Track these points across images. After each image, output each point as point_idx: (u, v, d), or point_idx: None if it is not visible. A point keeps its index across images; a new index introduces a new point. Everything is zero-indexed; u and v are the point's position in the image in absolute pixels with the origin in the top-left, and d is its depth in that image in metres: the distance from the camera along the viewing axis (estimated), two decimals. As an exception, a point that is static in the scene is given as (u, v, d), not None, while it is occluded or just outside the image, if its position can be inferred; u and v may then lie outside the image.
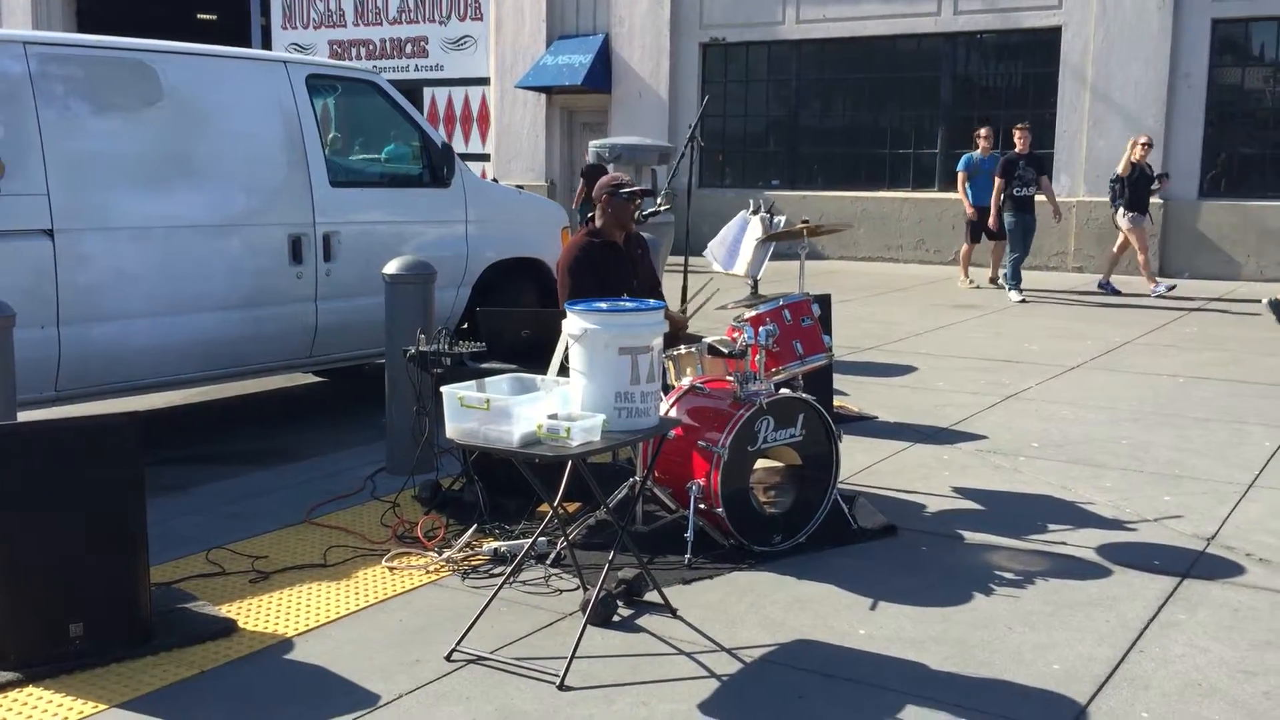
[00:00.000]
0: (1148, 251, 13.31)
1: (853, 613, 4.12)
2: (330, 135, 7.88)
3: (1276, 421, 6.97)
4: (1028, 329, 10.68)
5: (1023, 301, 12.50)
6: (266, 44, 21.94)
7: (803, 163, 18.04)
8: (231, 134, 6.43)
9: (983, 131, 13.82)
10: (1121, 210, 13.05)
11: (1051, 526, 5.05)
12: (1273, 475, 5.85)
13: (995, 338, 10.15)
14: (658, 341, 3.92)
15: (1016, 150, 13.02)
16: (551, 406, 3.77)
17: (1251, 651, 3.80)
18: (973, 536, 4.92)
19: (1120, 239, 13.42)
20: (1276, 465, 6.04)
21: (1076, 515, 5.22)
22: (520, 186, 15.22)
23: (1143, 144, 12.89)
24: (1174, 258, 14.99)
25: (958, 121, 16.76)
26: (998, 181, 12.92)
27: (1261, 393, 7.81)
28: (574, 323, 3.86)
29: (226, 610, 4.11)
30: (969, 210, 13.57)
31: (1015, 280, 12.87)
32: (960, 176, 13.76)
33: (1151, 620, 4.05)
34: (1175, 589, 4.33)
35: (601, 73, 18.69)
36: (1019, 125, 13.30)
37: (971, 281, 13.96)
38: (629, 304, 4.08)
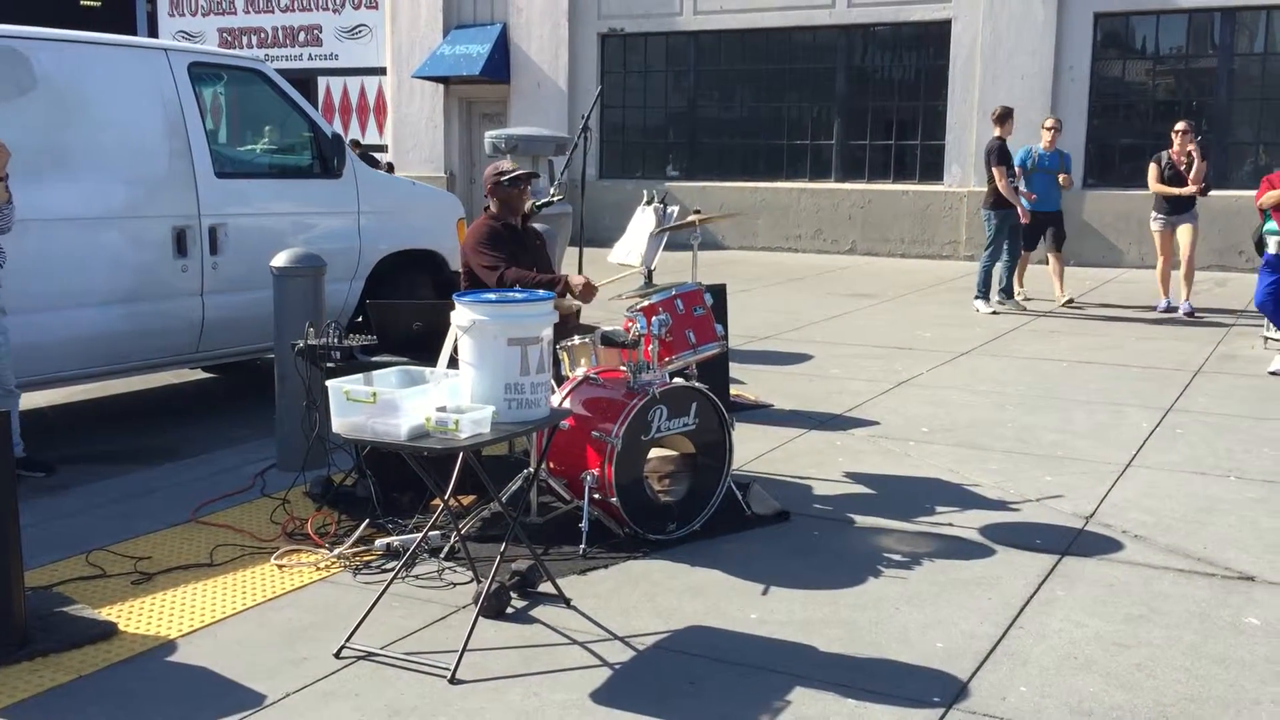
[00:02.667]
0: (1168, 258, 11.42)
1: (745, 598, 4.17)
2: (215, 125, 7.69)
3: (1153, 404, 7.22)
4: (921, 317, 10.90)
5: (994, 313, 11.04)
6: (153, 32, 21.34)
7: (702, 153, 18.14)
8: (110, 124, 6.24)
9: (1049, 121, 11.77)
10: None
11: (939, 509, 5.17)
12: (1148, 455, 6.07)
13: (889, 325, 10.34)
14: (547, 332, 3.91)
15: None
16: (440, 399, 3.74)
17: (1125, 625, 3.93)
18: (863, 520, 5.01)
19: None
20: (1152, 445, 6.26)
21: (963, 497, 5.35)
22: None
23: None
24: (1070, 244, 15.42)
25: (853, 113, 17.02)
26: (997, 169, 11.03)
27: (1140, 375, 8.09)
28: (462, 314, 3.83)
29: (107, 613, 4.00)
30: (1023, 215, 11.16)
31: (984, 289, 11.30)
32: (1016, 173, 11.31)
33: (1031, 597, 4.17)
34: (1054, 566, 4.47)
35: (500, 63, 18.57)
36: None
37: (1027, 299, 11.71)
38: (518, 294, 4.06)
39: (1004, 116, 11.27)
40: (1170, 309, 11.00)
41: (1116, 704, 3.37)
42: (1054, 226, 11.57)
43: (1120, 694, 3.43)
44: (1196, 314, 10.84)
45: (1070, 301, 11.49)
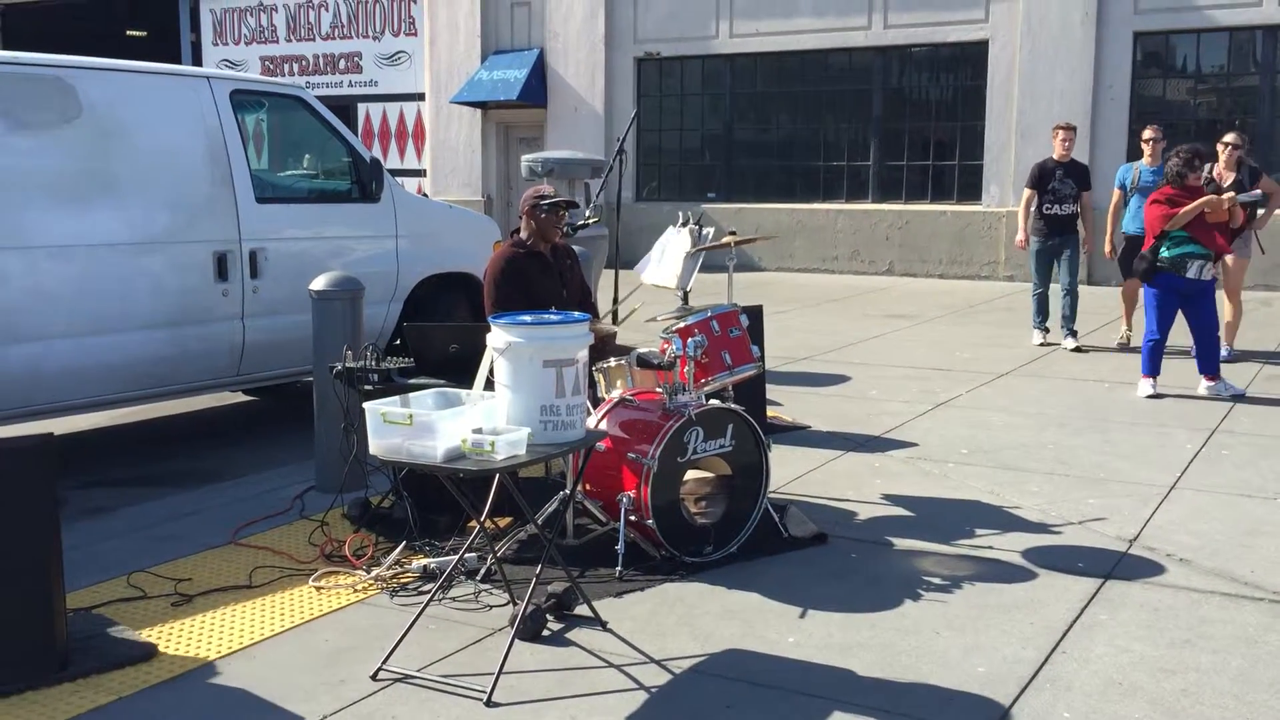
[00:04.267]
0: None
1: (782, 621, 4.13)
2: (257, 151, 7.80)
3: (1198, 425, 7.11)
4: (960, 337, 10.82)
5: (1042, 345, 10.07)
6: (197, 60, 21.66)
7: (738, 176, 18.15)
8: (154, 150, 6.34)
9: (1147, 134, 9.91)
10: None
11: (978, 531, 5.11)
12: (1193, 477, 5.97)
13: (928, 346, 10.27)
14: (583, 354, 3.91)
15: (1055, 156, 10.10)
16: (476, 420, 3.75)
17: (1170, 650, 3.86)
18: (901, 543, 4.97)
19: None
20: (1197, 467, 6.16)
21: (1003, 520, 5.29)
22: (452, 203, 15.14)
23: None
24: (1101, 266, 15.26)
25: (890, 134, 16.97)
26: (1026, 192, 10.17)
27: (1183, 398, 7.97)
28: (498, 336, 3.84)
29: (147, 635, 4.03)
30: (1108, 248, 10.23)
31: (1037, 317, 10.25)
32: (1115, 196, 10.09)
33: (1074, 621, 4.11)
34: (1098, 590, 4.40)
35: (537, 87, 18.69)
36: (1061, 125, 10.23)
37: (1130, 330, 10.02)
38: (553, 316, 4.07)
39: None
40: (1228, 359, 9.08)
41: (1162, 731, 3.31)
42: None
43: (1166, 720, 3.37)
44: (1235, 355, 9.31)
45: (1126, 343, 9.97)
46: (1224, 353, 9.01)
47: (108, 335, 6.09)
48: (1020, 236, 10.30)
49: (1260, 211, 9.29)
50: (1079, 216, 10.12)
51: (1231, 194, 8.19)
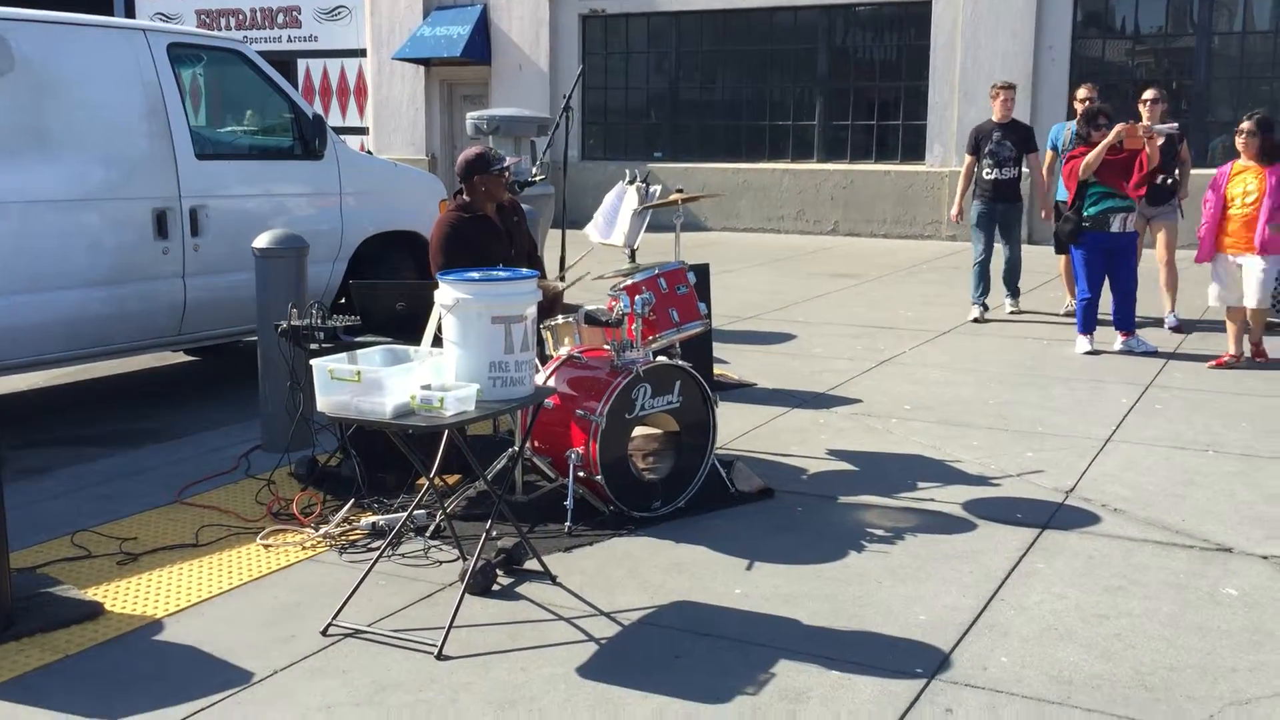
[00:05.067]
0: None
1: (729, 573, 4.20)
2: (195, 107, 7.65)
3: (1133, 379, 7.28)
4: (903, 296, 10.94)
5: (976, 320, 9.47)
6: (130, 13, 21.14)
7: (684, 135, 18.12)
8: (90, 105, 6.20)
9: (1081, 93, 9.58)
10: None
11: (921, 485, 5.21)
12: (1129, 430, 6.12)
13: (871, 305, 10.38)
14: (531, 310, 3.92)
15: (994, 118, 9.66)
16: (425, 377, 3.75)
17: (1104, 596, 3.98)
18: (846, 496, 5.05)
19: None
20: (1132, 420, 6.32)
21: (945, 473, 5.39)
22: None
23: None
24: (1040, 227, 15.48)
25: (834, 93, 17.02)
26: (967, 159, 9.75)
27: (1120, 354, 8.13)
28: (446, 293, 3.84)
29: (93, 593, 4.00)
30: (1043, 211, 10.08)
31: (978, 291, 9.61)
32: (1049, 157, 9.86)
33: (1012, 570, 4.21)
34: (1035, 540, 4.52)
35: (481, 44, 18.48)
36: (999, 85, 9.76)
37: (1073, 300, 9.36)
38: (501, 273, 4.07)
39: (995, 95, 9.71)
40: (1176, 328, 8.95)
41: (1096, 673, 3.41)
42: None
43: (1100, 664, 3.48)
44: (1184, 326, 9.00)
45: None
46: (1170, 321, 8.99)
47: (45, 293, 5.98)
48: (954, 210, 9.90)
49: (1178, 174, 9.18)
50: (1020, 181, 9.65)
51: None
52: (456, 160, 5.34)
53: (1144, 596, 3.97)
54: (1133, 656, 3.53)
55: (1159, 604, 3.91)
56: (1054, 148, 9.75)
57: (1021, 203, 9.86)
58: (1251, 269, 7.51)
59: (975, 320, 9.48)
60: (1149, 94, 8.97)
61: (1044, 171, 10.01)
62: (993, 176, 9.58)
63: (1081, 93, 9.58)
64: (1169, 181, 9.11)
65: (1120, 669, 3.44)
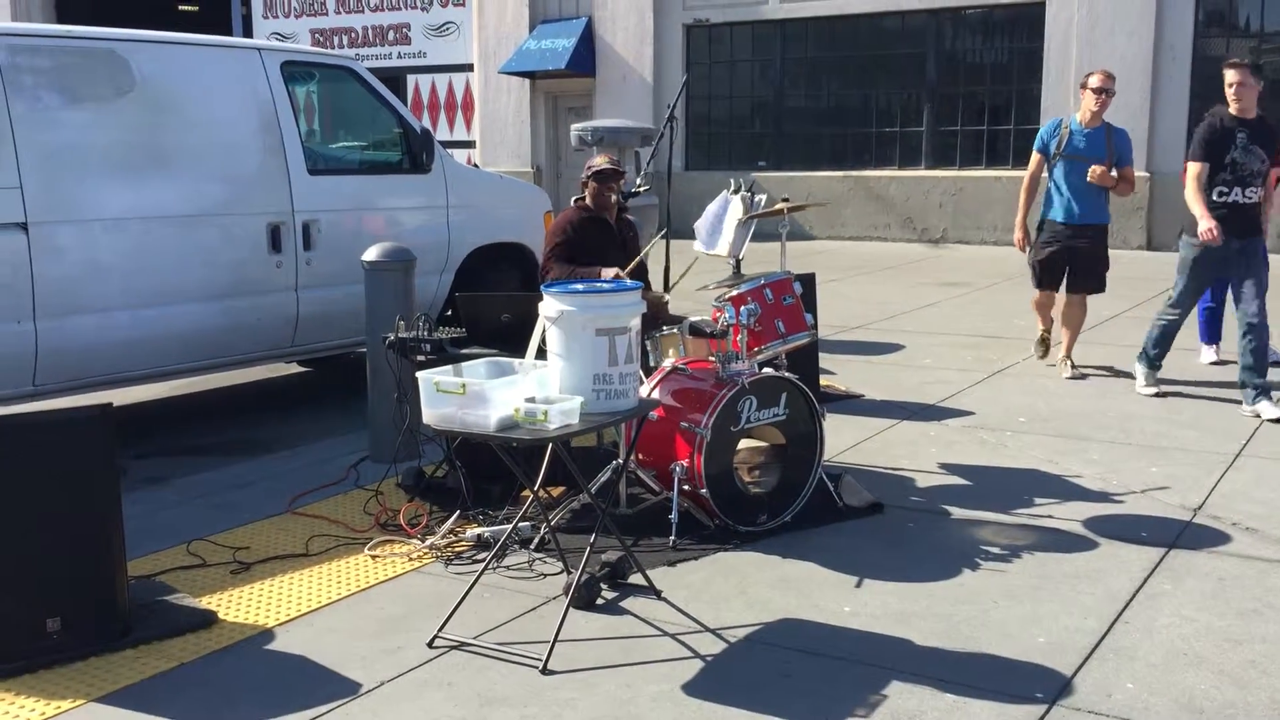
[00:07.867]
0: None
1: (838, 590, 4.10)
2: (308, 123, 7.82)
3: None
4: (1014, 305, 10.64)
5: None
6: (248, 33, 21.78)
7: (789, 143, 17.96)
8: (206, 123, 6.37)
9: (1095, 82, 7.20)
10: None
11: (1038, 500, 5.03)
12: (1259, 445, 5.83)
13: (982, 314, 10.13)
14: (635, 322, 3.88)
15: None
16: (529, 390, 3.73)
17: (1237, 620, 3.78)
18: (959, 512, 4.90)
19: None
20: (1263, 435, 6.02)
21: (1063, 488, 5.20)
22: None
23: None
24: (1161, 232, 14.95)
25: (943, 98, 16.70)
26: (1193, 166, 6.56)
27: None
28: (550, 305, 3.82)
29: (207, 602, 4.07)
30: (1018, 234, 7.72)
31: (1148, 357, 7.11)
32: (1034, 160, 7.58)
33: (1137, 591, 4.03)
34: (1161, 560, 4.32)
35: (585, 56, 18.60)
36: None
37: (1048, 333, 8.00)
38: (605, 285, 4.04)
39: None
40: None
41: (1229, 701, 3.23)
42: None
43: (1233, 691, 3.29)
44: None
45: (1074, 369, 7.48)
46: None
47: (163, 307, 6.15)
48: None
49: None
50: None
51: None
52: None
53: (1280, 621, 3.76)
54: (1269, 684, 3.33)
55: (1297, 630, 3.70)
56: (1043, 151, 7.47)
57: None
58: None
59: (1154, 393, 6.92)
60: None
61: (1026, 180, 7.67)
62: (1230, 199, 6.53)
63: (1095, 81, 7.23)
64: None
65: (1256, 697, 3.26)
